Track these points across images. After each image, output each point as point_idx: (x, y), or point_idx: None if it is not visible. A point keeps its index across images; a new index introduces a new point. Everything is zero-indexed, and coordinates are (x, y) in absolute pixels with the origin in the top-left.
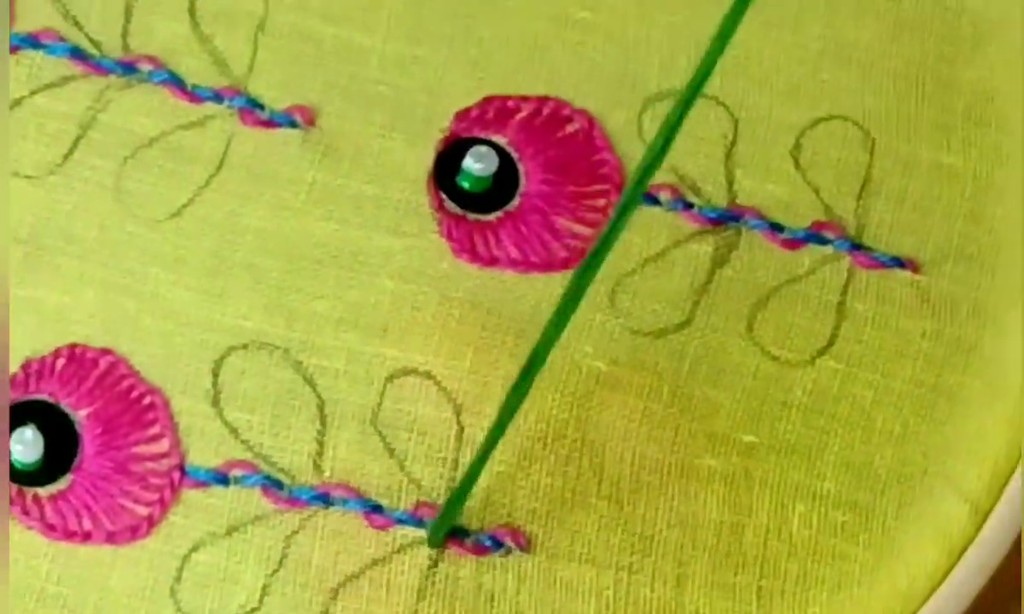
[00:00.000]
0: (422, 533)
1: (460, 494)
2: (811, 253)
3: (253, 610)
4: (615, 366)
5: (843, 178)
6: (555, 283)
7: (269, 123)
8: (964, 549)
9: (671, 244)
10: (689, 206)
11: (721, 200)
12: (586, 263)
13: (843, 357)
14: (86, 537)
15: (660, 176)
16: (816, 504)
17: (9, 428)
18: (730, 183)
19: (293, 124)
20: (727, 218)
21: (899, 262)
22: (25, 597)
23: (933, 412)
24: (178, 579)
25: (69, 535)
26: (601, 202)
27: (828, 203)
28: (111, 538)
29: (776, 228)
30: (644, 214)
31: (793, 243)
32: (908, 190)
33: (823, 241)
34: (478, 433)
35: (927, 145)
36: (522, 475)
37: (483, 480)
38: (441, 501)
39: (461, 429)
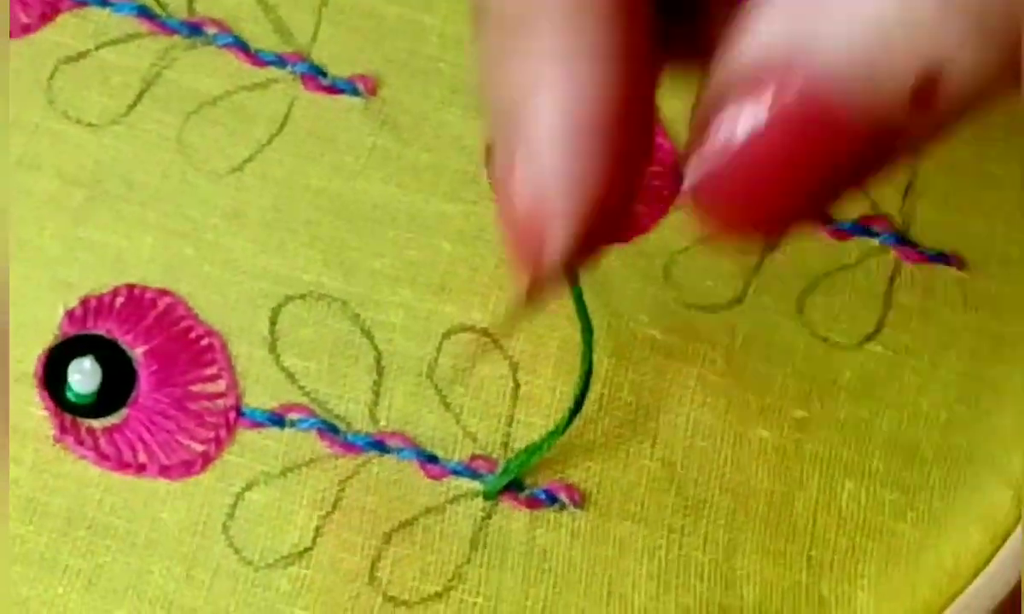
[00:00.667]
0: (476, 485)
1: (532, 453)
2: (859, 244)
3: (306, 550)
4: (670, 335)
5: (890, 179)
6: (611, 255)
7: (332, 89)
8: (1008, 533)
9: None
10: None
11: None
12: None
13: (890, 344)
14: (140, 469)
15: None
16: (865, 481)
17: (65, 361)
18: None
19: (355, 92)
20: None
21: (944, 258)
22: (77, 525)
23: (978, 401)
24: (231, 516)
25: (123, 466)
26: (657, 183)
27: (875, 199)
28: (165, 472)
29: (825, 219)
30: None
31: (841, 234)
32: (951, 193)
33: (870, 233)
34: (533, 390)
35: (970, 153)
36: (577, 433)
37: (538, 436)
38: (496, 455)
39: (517, 386)
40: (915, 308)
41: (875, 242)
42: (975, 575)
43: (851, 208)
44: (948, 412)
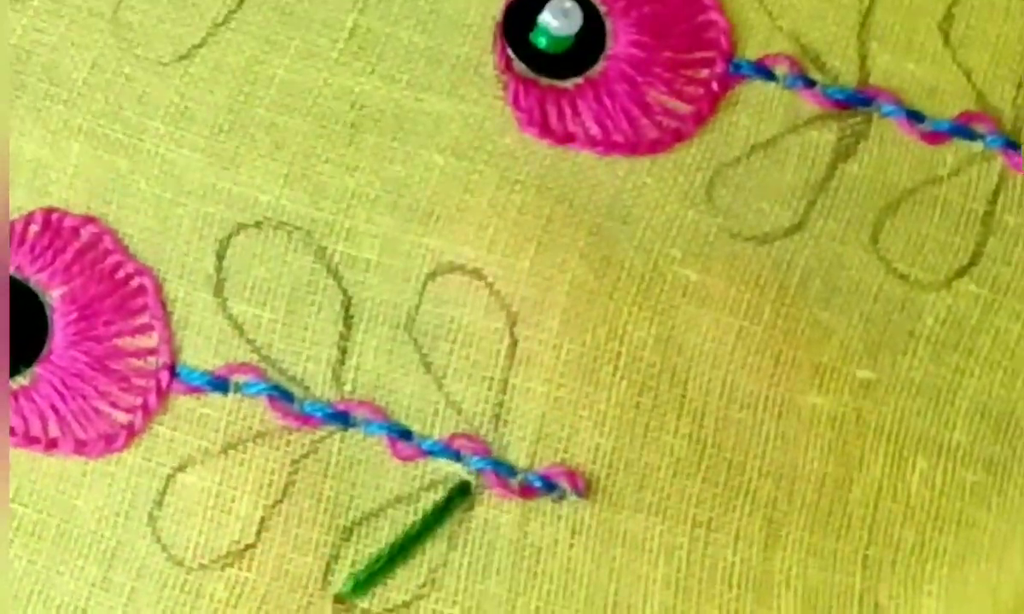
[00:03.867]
0: (458, 469)
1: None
2: (956, 150)
3: (248, 547)
4: (707, 276)
5: (1001, 60)
6: (641, 170)
7: None
8: None
9: (786, 129)
10: (811, 84)
11: (851, 79)
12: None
13: (986, 280)
14: (51, 445)
15: (778, 44)
16: (942, 459)
17: None
18: (863, 58)
19: None
20: (856, 101)
21: None
22: None
23: None
24: (159, 503)
25: (30, 441)
26: (704, 73)
27: (982, 90)
28: (81, 448)
29: (915, 117)
30: (756, 90)
31: (935, 137)
32: None
33: (972, 136)
34: (535, 348)
35: None
36: (585, 403)
37: (538, 407)
38: (484, 432)
39: (514, 343)
40: (1022, 232)
41: (977, 146)
42: None
43: (950, 102)
44: None
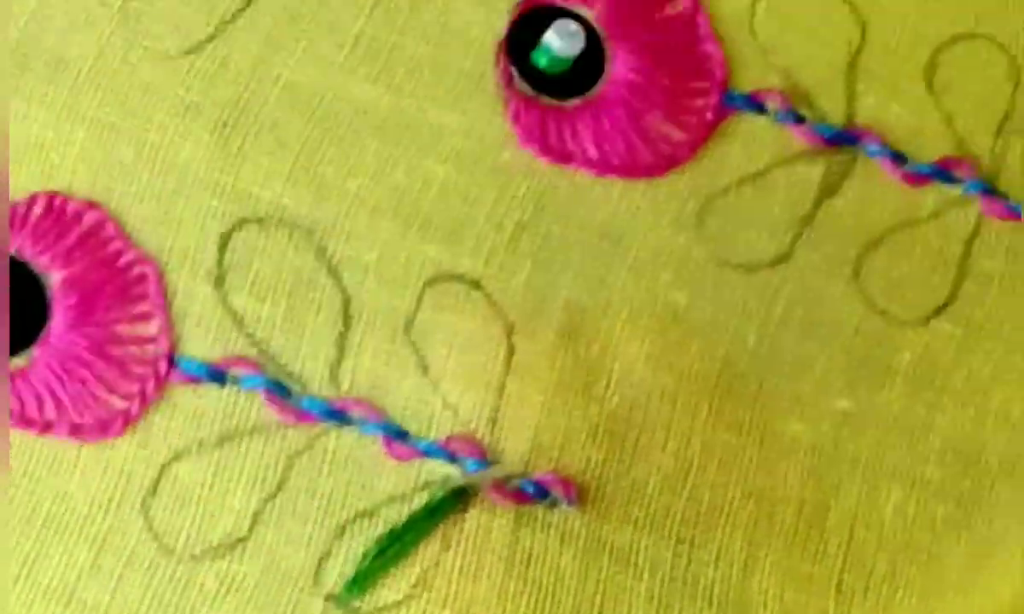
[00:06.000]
0: (453, 470)
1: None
2: (936, 193)
3: (240, 540)
4: (696, 300)
5: (981, 109)
6: (635, 193)
7: None
8: None
9: (774, 162)
10: (800, 120)
11: (838, 117)
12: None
13: (961, 320)
14: (46, 428)
15: (770, 79)
16: (914, 491)
17: None
18: (850, 98)
19: None
20: (843, 139)
21: None
22: None
23: None
24: (153, 492)
25: (26, 422)
26: (698, 102)
27: (962, 136)
28: (76, 432)
29: (898, 158)
30: (746, 123)
31: (916, 179)
32: None
33: (951, 180)
34: (531, 358)
35: None
36: (579, 414)
37: (533, 414)
38: (481, 434)
39: (511, 352)
40: (996, 276)
41: (956, 191)
42: None
43: (931, 145)
44: (1022, 410)
